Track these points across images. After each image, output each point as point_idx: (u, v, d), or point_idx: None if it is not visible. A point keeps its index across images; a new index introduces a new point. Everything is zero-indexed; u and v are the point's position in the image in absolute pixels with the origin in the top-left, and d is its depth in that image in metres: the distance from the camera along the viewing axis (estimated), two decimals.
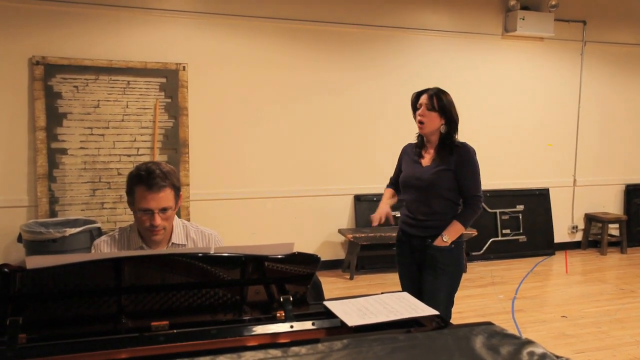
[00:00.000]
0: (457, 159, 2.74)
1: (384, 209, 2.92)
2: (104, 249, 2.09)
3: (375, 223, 2.87)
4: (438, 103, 2.72)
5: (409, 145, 3.00)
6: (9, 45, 4.56)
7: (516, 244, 6.31)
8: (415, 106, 2.83)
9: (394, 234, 5.32)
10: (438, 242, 2.76)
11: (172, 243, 2.11)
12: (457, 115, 2.79)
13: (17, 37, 4.58)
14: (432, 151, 2.82)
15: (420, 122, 2.76)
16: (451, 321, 2.75)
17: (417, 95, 2.83)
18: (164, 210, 2.01)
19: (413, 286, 2.87)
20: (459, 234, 2.78)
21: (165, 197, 2.00)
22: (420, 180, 2.78)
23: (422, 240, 2.81)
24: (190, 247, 2.12)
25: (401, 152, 3.04)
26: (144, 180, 1.98)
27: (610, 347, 3.79)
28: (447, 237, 2.75)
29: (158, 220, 2.00)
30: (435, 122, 2.74)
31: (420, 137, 2.89)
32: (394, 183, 3.09)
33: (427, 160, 2.82)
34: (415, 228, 2.84)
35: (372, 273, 5.58)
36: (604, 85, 6.66)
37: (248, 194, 5.36)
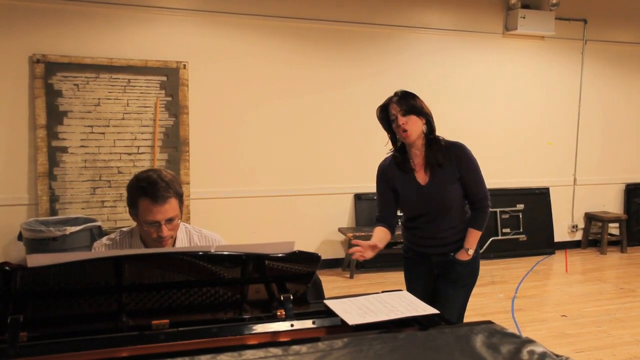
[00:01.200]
0: (459, 164, 2.51)
1: (369, 243, 2.45)
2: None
3: (356, 255, 2.40)
4: (409, 103, 2.47)
5: (387, 163, 2.65)
6: (9, 43, 4.56)
7: (516, 243, 6.32)
8: (387, 120, 2.54)
9: (395, 233, 5.36)
10: (462, 256, 2.58)
11: None
12: (430, 112, 2.53)
13: (17, 35, 4.58)
14: (420, 158, 2.55)
15: (404, 131, 2.46)
16: None
17: (383, 109, 2.55)
18: (170, 220, 1.97)
19: (428, 302, 2.72)
20: (478, 240, 2.62)
21: (171, 207, 1.95)
22: (428, 204, 2.53)
23: (444, 256, 2.61)
24: (186, 247, 2.09)
25: (380, 176, 2.66)
26: (147, 192, 1.92)
27: (610, 346, 3.79)
28: (471, 251, 2.57)
29: (165, 231, 1.96)
30: (418, 125, 2.48)
31: (400, 148, 2.59)
32: (384, 218, 2.67)
33: (420, 172, 2.55)
34: (433, 247, 2.62)
35: (372, 272, 5.59)
36: (605, 84, 6.65)
37: (248, 193, 5.37)
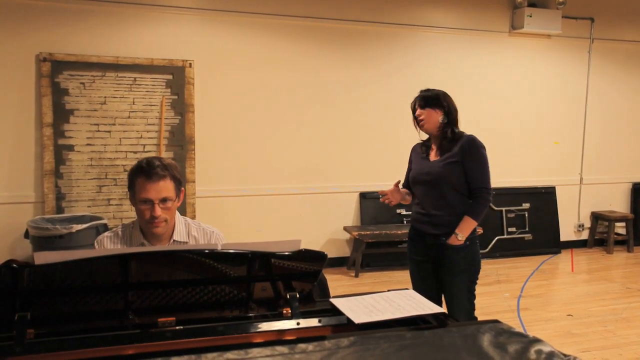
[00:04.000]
0: (463, 150, 2.75)
1: (391, 189, 2.88)
2: (107, 245, 2.09)
3: (385, 199, 2.85)
4: (426, 98, 2.79)
5: (418, 144, 3.03)
6: (16, 42, 4.58)
7: (522, 242, 6.29)
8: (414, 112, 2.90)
9: (400, 232, 5.38)
10: (452, 241, 2.74)
11: (174, 240, 2.11)
12: (453, 106, 2.83)
13: (24, 34, 4.59)
14: (437, 145, 2.87)
15: (419, 121, 2.81)
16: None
17: (414, 103, 2.89)
18: (164, 200, 2.01)
19: (424, 284, 2.88)
20: (472, 230, 2.76)
21: (165, 186, 2.00)
22: (429, 174, 2.80)
23: (436, 238, 2.79)
24: (192, 244, 2.12)
25: (411, 153, 3.06)
26: (144, 171, 2.00)
27: (617, 346, 3.77)
28: (461, 236, 2.73)
29: (158, 210, 2.00)
30: (432, 117, 2.78)
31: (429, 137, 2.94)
32: (406, 187, 3.06)
33: (433, 155, 2.86)
34: (427, 225, 2.82)
35: (377, 270, 5.58)
36: (611, 83, 6.62)
37: (254, 191, 5.37)
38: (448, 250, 2.75)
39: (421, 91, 2.87)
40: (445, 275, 2.80)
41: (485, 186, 2.77)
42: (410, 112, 2.91)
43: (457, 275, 2.77)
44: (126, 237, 2.11)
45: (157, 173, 1.99)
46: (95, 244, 2.12)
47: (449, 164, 2.75)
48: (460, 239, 2.73)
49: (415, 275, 2.95)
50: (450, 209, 2.76)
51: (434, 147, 2.89)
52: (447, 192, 2.76)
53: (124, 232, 2.12)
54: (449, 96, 2.84)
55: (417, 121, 2.84)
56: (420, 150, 2.96)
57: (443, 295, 2.87)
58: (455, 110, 2.83)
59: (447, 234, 2.76)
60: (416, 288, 2.88)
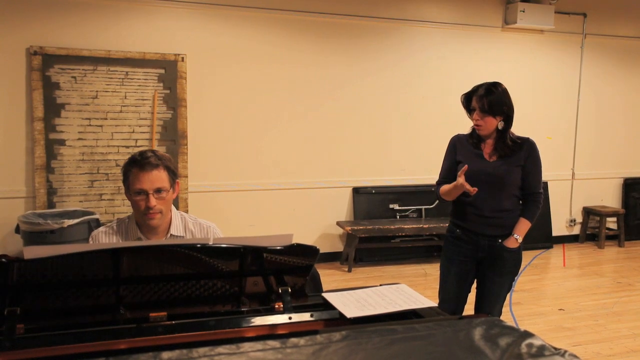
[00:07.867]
0: (527, 155, 2.70)
1: (459, 180, 2.63)
2: (103, 239, 2.08)
3: (470, 189, 2.61)
4: (489, 104, 2.62)
5: (462, 136, 2.84)
6: (6, 35, 4.54)
7: None
8: (468, 108, 2.73)
9: (392, 227, 5.39)
10: (511, 244, 2.73)
11: (171, 234, 2.10)
12: (512, 108, 2.67)
13: (15, 27, 4.55)
14: (491, 144, 2.73)
15: (478, 125, 2.68)
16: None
17: (467, 97, 2.73)
18: (158, 190, 2.00)
19: (459, 284, 2.82)
20: (526, 232, 2.76)
21: (159, 176, 2.00)
22: (491, 176, 2.68)
23: (492, 240, 2.75)
24: (189, 238, 2.11)
25: (451, 145, 2.86)
26: (136, 162, 1.99)
27: (607, 340, 3.80)
28: (520, 238, 2.73)
29: (153, 201, 1.99)
30: (492, 123, 2.66)
31: (475, 129, 2.77)
32: (444, 182, 2.84)
33: (488, 153, 2.73)
34: (483, 226, 2.74)
35: (370, 265, 5.59)
36: (604, 78, 6.64)
37: (246, 186, 5.36)
38: (504, 252, 2.73)
39: (483, 90, 2.64)
40: (491, 275, 2.77)
41: (539, 191, 2.75)
42: (463, 107, 2.76)
43: (505, 275, 2.77)
44: (122, 232, 2.10)
45: (150, 163, 1.98)
46: (90, 239, 2.10)
47: (515, 167, 2.69)
48: (519, 241, 2.73)
49: (451, 276, 2.84)
50: (508, 212, 2.72)
51: (488, 144, 2.74)
52: (507, 195, 2.71)
53: (119, 226, 2.12)
54: (508, 95, 2.67)
55: (474, 122, 2.70)
56: (467, 144, 2.78)
57: (478, 293, 2.85)
58: (513, 113, 2.68)
59: (503, 236, 2.74)
60: (448, 287, 2.84)
